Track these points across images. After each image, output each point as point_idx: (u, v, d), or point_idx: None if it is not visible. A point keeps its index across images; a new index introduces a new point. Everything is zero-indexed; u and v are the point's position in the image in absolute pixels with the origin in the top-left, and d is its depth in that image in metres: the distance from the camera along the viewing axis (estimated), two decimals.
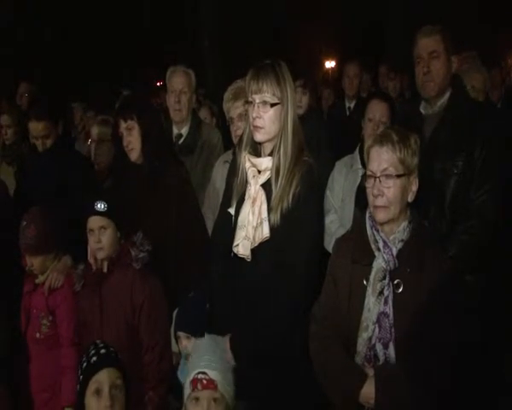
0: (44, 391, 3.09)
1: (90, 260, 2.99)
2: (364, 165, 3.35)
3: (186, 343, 2.79)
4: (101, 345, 2.32)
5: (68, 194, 3.51)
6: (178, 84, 3.98)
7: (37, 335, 3.10)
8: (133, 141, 3.20)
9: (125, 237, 2.97)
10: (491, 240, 2.86)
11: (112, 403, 2.17)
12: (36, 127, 3.72)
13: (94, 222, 2.90)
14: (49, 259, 3.14)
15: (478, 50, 4.89)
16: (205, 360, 2.19)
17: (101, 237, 2.89)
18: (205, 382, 2.14)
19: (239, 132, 3.21)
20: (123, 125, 3.20)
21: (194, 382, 2.16)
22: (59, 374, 3.04)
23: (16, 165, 4.37)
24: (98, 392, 2.19)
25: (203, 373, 2.15)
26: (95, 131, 4.30)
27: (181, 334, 2.81)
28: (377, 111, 3.42)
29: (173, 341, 2.91)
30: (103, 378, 2.20)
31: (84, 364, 2.25)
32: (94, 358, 2.24)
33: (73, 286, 3.04)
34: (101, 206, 2.88)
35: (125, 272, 2.90)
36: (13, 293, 3.23)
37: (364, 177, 3.30)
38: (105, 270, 2.94)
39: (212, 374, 2.14)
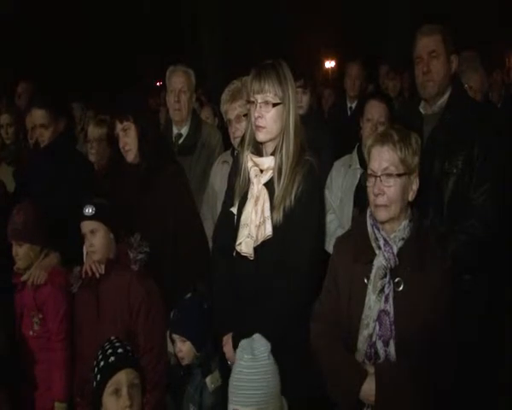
0: (39, 388, 3.11)
1: (85, 263, 3.00)
2: (362, 165, 3.39)
3: (181, 346, 2.80)
4: (118, 344, 2.34)
5: (63, 192, 3.51)
6: (178, 83, 3.97)
7: (31, 333, 3.13)
8: (129, 142, 3.20)
9: (123, 239, 2.97)
10: (490, 240, 2.85)
11: (131, 403, 2.21)
12: (36, 114, 3.73)
13: (84, 227, 2.92)
14: (35, 251, 3.16)
15: (478, 50, 4.88)
16: (239, 396, 2.09)
17: (92, 240, 2.90)
18: None
19: (237, 134, 3.22)
20: (119, 126, 3.20)
21: None
22: (51, 370, 3.07)
23: (15, 165, 4.37)
24: (117, 392, 2.22)
25: None
26: (91, 131, 4.29)
27: (176, 337, 2.81)
28: (376, 112, 3.42)
29: (169, 342, 2.91)
30: (122, 379, 2.23)
31: (102, 363, 2.27)
32: (112, 358, 2.26)
33: (66, 285, 3.06)
34: (88, 210, 2.90)
35: (122, 273, 2.91)
36: (11, 292, 3.24)
37: (362, 176, 3.34)
38: (102, 272, 2.94)
39: None
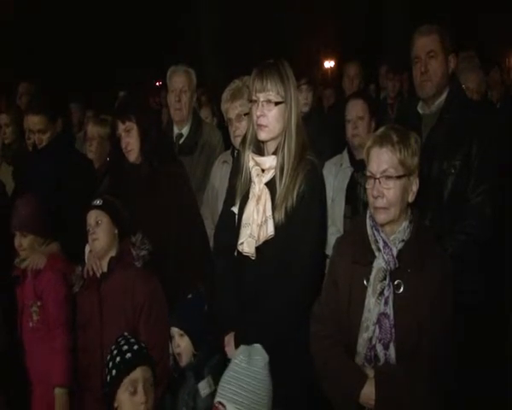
0: (42, 381, 3.10)
1: (87, 263, 3.01)
2: (353, 164, 3.41)
3: (179, 341, 2.78)
4: (132, 340, 2.39)
5: (63, 192, 3.52)
6: (179, 83, 3.99)
7: (30, 324, 3.13)
8: (132, 142, 3.20)
9: (125, 239, 2.98)
10: (488, 239, 2.86)
11: (146, 399, 2.27)
12: (32, 120, 3.73)
13: (90, 216, 2.95)
14: (39, 243, 3.18)
15: (477, 50, 4.89)
16: (227, 390, 2.14)
17: (96, 229, 2.93)
18: None
19: (238, 133, 3.23)
20: (121, 126, 3.20)
21: (215, 409, 2.16)
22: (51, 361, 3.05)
23: (14, 164, 4.37)
24: (132, 388, 2.28)
25: (221, 404, 2.13)
26: (90, 129, 4.32)
27: (175, 331, 2.80)
28: (353, 110, 3.48)
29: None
30: (138, 376, 2.29)
31: (118, 358, 2.31)
32: (128, 354, 2.31)
33: (66, 271, 3.08)
34: (97, 201, 2.97)
35: (126, 272, 2.92)
36: (10, 290, 3.25)
37: (353, 175, 3.36)
38: (104, 269, 2.95)
39: (230, 408, 2.11)
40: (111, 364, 2.33)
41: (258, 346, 2.25)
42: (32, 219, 3.15)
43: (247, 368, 2.16)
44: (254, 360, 2.18)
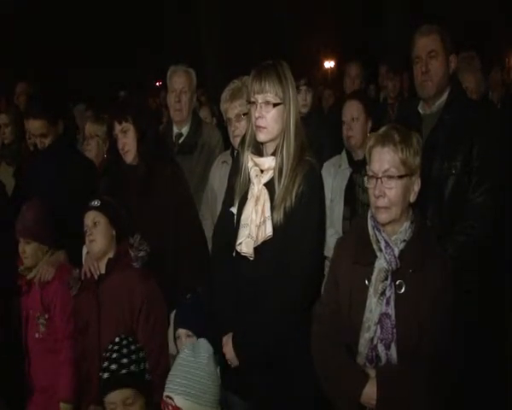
0: (46, 391, 3.09)
1: (85, 264, 3.00)
2: (351, 165, 3.40)
3: (186, 342, 2.78)
4: (116, 354, 2.33)
5: (64, 193, 3.51)
6: (179, 83, 3.97)
7: (37, 335, 3.11)
8: (128, 143, 3.19)
9: (123, 240, 2.97)
10: (488, 240, 2.86)
11: None
12: (33, 125, 3.71)
13: (88, 217, 2.94)
14: (42, 250, 3.16)
15: (478, 50, 4.89)
16: (174, 383, 2.20)
17: (93, 230, 2.92)
18: (170, 408, 2.17)
19: (237, 133, 3.22)
20: (118, 127, 3.20)
21: (163, 403, 2.19)
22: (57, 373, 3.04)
23: (15, 164, 4.37)
24: (111, 408, 2.27)
25: (169, 397, 2.17)
26: (88, 128, 4.31)
27: (182, 332, 2.80)
28: (348, 111, 3.48)
29: (171, 343, 2.90)
30: (115, 399, 2.26)
31: (106, 374, 2.30)
32: (106, 374, 2.28)
33: (68, 286, 3.03)
34: (94, 202, 2.95)
35: (124, 273, 2.91)
36: (11, 294, 3.24)
37: (351, 176, 3.35)
38: (103, 271, 2.94)
39: (178, 400, 2.16)
40: (101, 373, 2.33)
41: (202, 340, 2.35)
42: (36, 226, 3.12)
43: (193, 360, 2.25)
44: (199, 352, 2.28)
